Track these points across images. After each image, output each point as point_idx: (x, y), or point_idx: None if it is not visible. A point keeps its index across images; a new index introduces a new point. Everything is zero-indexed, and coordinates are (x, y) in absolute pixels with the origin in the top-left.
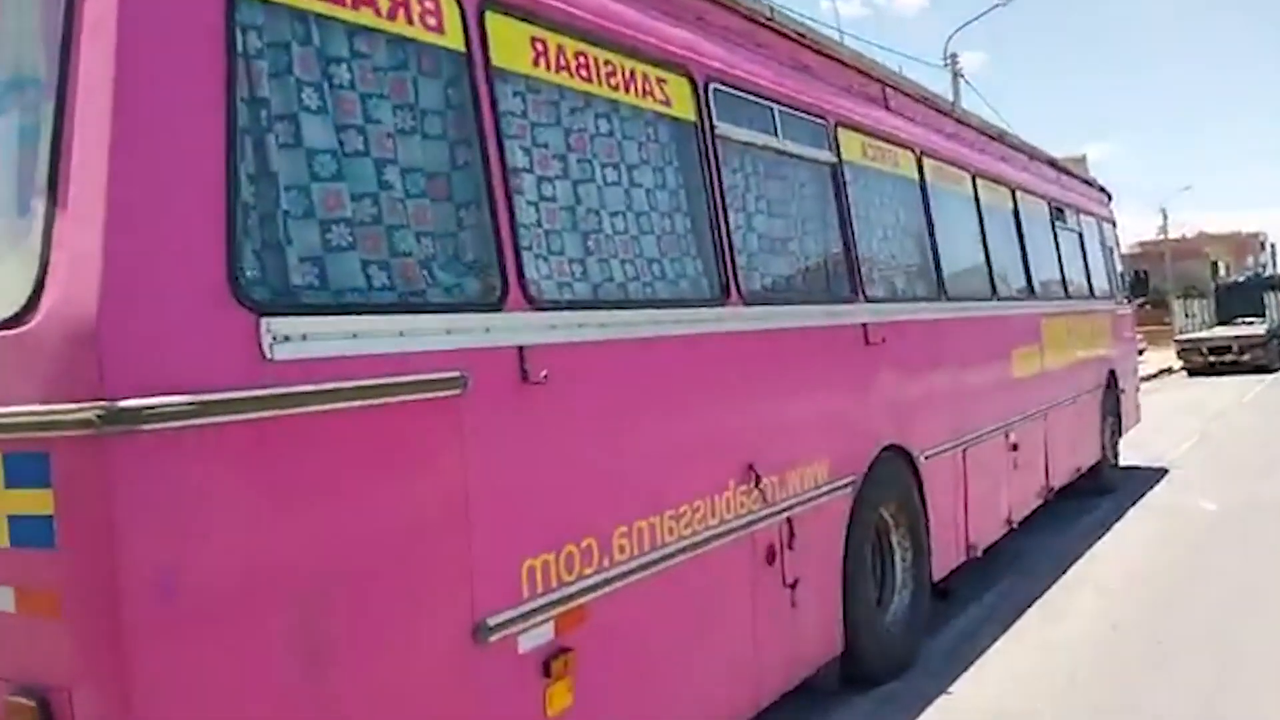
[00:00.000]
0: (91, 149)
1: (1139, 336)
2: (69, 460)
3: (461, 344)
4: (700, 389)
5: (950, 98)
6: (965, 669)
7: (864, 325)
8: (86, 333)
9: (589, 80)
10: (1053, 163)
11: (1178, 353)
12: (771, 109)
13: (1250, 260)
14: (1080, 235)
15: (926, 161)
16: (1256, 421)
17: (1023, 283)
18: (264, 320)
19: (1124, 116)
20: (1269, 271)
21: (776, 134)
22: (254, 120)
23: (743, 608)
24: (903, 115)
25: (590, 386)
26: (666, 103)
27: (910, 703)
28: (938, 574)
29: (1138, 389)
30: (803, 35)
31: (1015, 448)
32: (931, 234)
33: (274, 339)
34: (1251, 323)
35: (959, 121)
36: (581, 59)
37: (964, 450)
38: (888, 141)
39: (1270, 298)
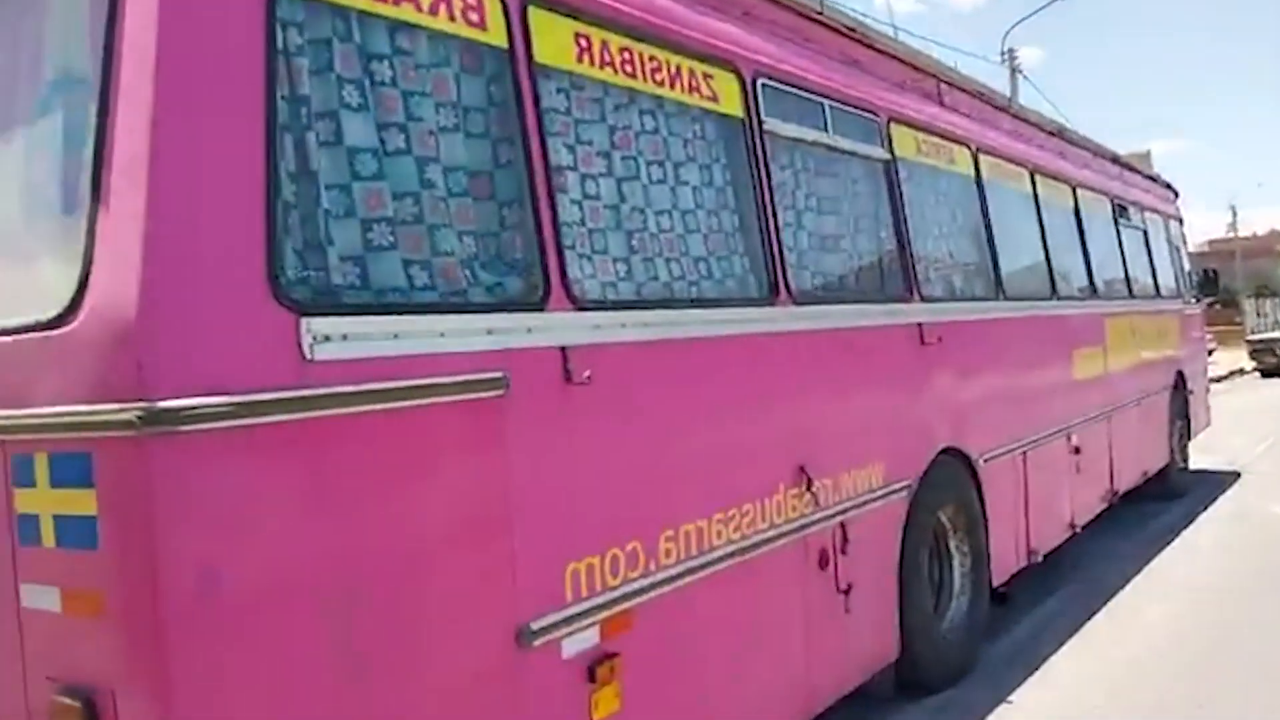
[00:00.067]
0: (132, 149)
1: (1208, 336)
2: (110, 461)
3: (503, 344)
4: (748, 390)
5: (1008, 94)
6: (1027, 677)
7: (919, 325)
8: (127, 334)
9: (634, 76)
10: (1115, 159)
11: (1250, 353)
12: (822, 105)
13: None
14: (1145, 233)
15: (983, 158)
16: None
17: (1084, 282)
18: (304, 320)
19: (1192, 112)
20: None
21: (827, 130)
22: (295, 118)
23: (794, 613)
24: (958, 111)
25: (635, 387)
26: (713, 99)
27: (968, 711)
28: (997, 579)
29: (1207, 390)
30: (853, 30)
31: (1078, 450)
32: (989, 232)
33: (314, 339)
34: None
35: (1016, 117)
36: (626, 55)
37: (1024, 453)
38: (943, 137)
39: None
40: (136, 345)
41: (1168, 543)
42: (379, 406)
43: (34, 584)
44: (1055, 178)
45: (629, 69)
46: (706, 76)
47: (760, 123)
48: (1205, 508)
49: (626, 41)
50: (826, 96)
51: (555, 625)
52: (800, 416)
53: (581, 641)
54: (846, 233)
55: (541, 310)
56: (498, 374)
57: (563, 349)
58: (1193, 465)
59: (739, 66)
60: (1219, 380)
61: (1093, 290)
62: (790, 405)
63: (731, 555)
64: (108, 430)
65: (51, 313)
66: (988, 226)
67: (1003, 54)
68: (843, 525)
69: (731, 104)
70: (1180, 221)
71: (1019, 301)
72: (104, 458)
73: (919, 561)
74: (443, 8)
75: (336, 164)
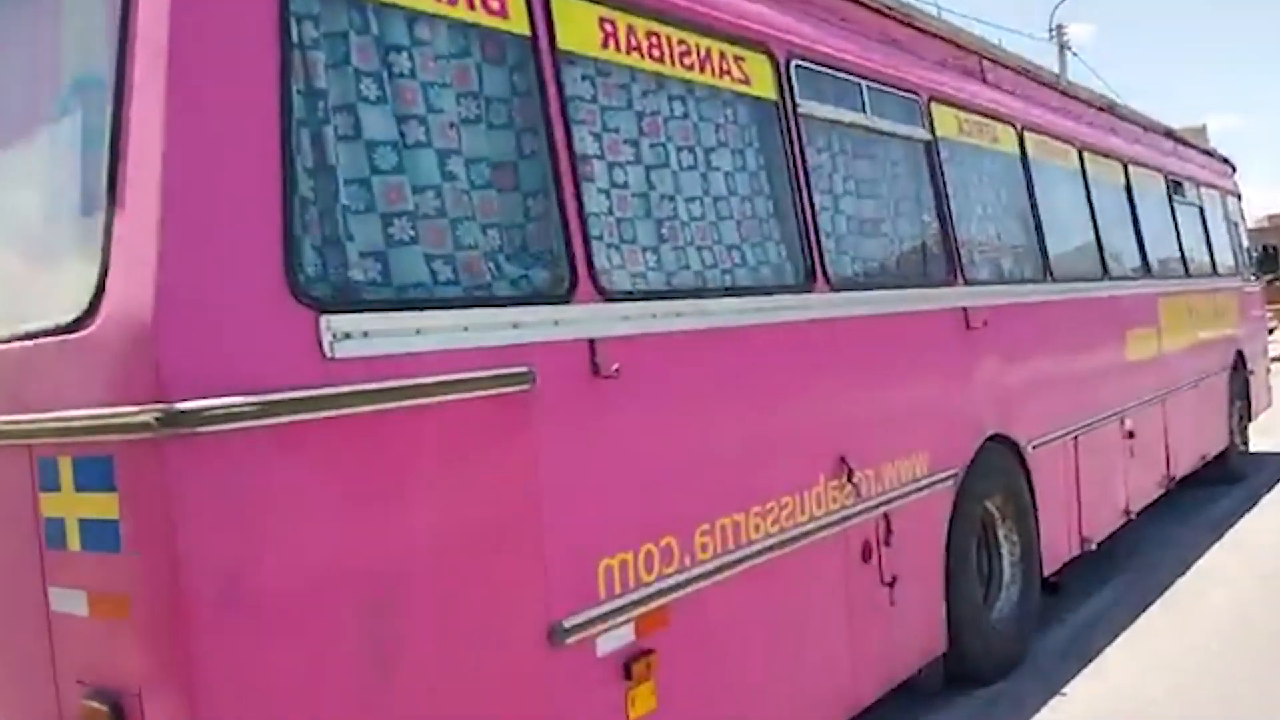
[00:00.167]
0: (146, 150)
1: (1269, 315)
2: (130, 463)
3: (529, 338)
4: (785, 379)
5: (1056, 71)
6: (1081, 668)
7: (964, 309)
8: (144, 336)
9: (661, 61)
10: (1169, 134)
11: None
12: (859, 85)
13: None
14: (1201, 209)
15: (1028, 136)
16: None
17: (1137, 261)
18: (324, 318)
19: (1250, 86)
20: None
21: (865, 111)
22: (311, 113)
23: (837, 607)
24: (1002, 88)
25: (666, 379)
26: (745, 81)
27: (1019, 704)
28: (1048, 568)
29: (1269, 370)
30: (891, 8)
31: (1132, 435)
32: (1035, 212)
33: (334, 336)
34: None
35: (1063, 93)
36: (654, 39)
37: (1075, 438)
38: (986, 116)
39: None
40: (154, 347)
41: (1229, 528)
42: (401, 404)
43: (62, 587)
44: (1105, 154)
45: (656, 53)
46: (738, 59)
47: (795, 105)
48: (1268, 491)
49: (653, 25)
50: (864, 77)
51: (589, 623)
52: (840, 406)
53: (616, 639)
54: (886, 216)
55: (568, 302)
56: (523, 368)
57: (590, 341)
58: (1253, 448)
59: (771, 48)
60: None
61: (1146, 269)
62: (829, 394)
63: (770, 549)
64: (127, 433)
65: (71, 316)
66: (1034, 206)
67: (1050, 30)
68: (886, 516)
69: (764, 86)
70: (1238, 197)
71: (1068, 283)
72: (124, 460)
73: (966, 552)
74: None
75: (355, 158)
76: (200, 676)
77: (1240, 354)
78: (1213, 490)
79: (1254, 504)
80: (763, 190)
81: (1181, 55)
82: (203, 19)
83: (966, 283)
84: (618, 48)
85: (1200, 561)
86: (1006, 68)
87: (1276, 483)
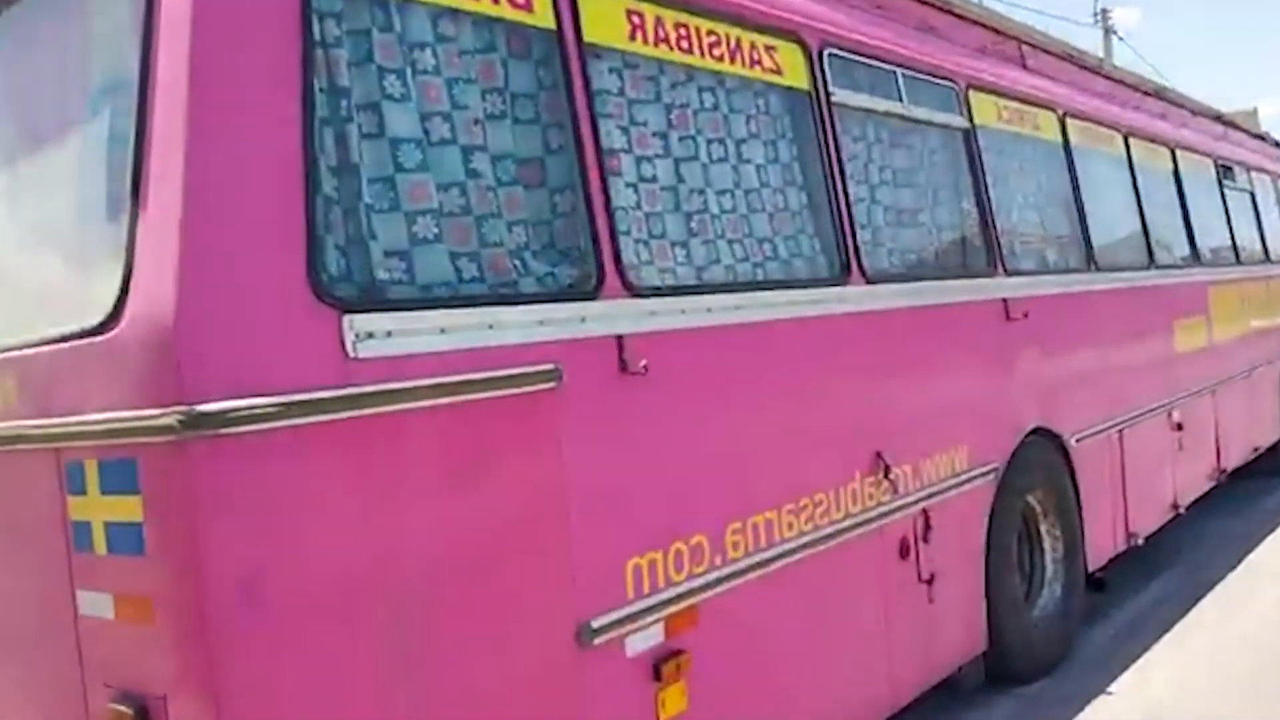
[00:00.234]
0: (169, 151)
1: None
2: (154, 466)
3: (555, 335)
4: (818, 374)
5: (1100, 57)
6: (1127, 666)
7: (1004, 300)
8: (166, 338)
9: (690, 52)
10: (1219, 118)
11: None
12: (895, 73)
13: None
14: (1253, 195)
15: (1071, 123)
16: None
17: (1185, 249)
18: (347, 318)
19: None
20: None
21: (901, 100)
22: (334, 112)
23: (873, 606)
24: (1043, 74)
25: (696, 375)
26: (777, 71)
27: (1062, 702)
28: (1093, 564)
29: None
30: None
31: (1180, 427)
32: (1078, 200)
33: (357, 336)
34: None
35: (1107, 78)
36: (682, 30)
37: (1120, 431)
38: (1027, 103)
39: None
40: (177, 349)
41: None
42: (426, 403)
43: (89, 590)
44: (1151, 140)
45: (685, 45)
46: (769, 49)
47: (828, 95)
48: None
49: (682, 16)
50: (899, 65)
51: (617, 623)
52: (875, 401)
53: (645, 639)
54: (924, 206)
55: (595, 299)
56: (550, 366)
57: (618, 338)
58: None
59: (804, 37)
60: None
61: (1195, 257)
62: (864, 389)
63: (804, 547)
64: (150, 436)
65: (97, 319)
66: (1077, 194)
67: (1095, 15)
68: (924, 513)
69: (797, 76)
70: None
71: (1113, 272)
72: (148, 463)
73: (1007, 548)
74: None
75: (378, 157)
76: (225, 679)
77: None
78: (1266, 483)
79: None
80: (795, 182)
81: (1232, 38)
82: (225, 19)
83: (1007, 273)
84: (645, 40)
85: (1251, 556)
86: (1048, 53)
87: None
